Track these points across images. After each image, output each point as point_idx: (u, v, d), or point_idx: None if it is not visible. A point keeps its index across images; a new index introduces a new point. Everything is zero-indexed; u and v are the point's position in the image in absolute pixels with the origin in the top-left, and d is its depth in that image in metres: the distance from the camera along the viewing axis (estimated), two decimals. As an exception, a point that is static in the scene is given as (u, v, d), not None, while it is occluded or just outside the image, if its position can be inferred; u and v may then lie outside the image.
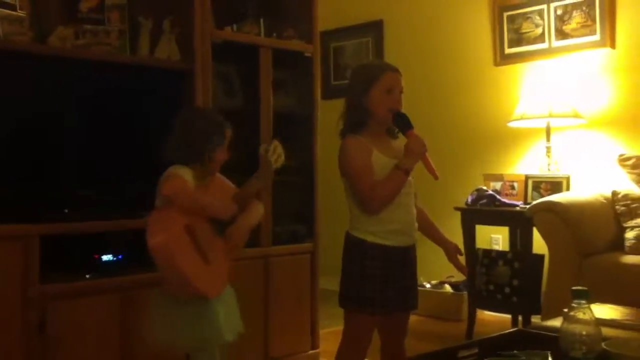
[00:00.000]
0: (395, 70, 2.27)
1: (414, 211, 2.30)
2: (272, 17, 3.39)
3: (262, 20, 3.31)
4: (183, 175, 2.15)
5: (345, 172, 2.24)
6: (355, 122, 2.24)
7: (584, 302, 1.60)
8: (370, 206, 2.19)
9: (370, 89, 2.21)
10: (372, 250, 2.21)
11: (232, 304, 2.31)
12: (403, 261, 2.25)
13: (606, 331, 1.74)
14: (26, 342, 2.43)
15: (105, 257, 2.64)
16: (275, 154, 2.34)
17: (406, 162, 2.15)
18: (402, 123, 2.20)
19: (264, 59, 3.21)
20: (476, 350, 1.84)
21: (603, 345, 1.61)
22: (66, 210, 2.61)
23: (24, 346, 2.43)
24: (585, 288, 1.62)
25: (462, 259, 2.41)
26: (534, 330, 1.98)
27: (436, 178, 2.16)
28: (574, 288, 1.62)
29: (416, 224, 2.31)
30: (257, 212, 2.37)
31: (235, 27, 3.22)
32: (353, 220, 2.28)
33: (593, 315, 1.59)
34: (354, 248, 2.26)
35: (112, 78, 2.79)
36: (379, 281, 2.19)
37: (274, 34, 3.34)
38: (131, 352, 2.64)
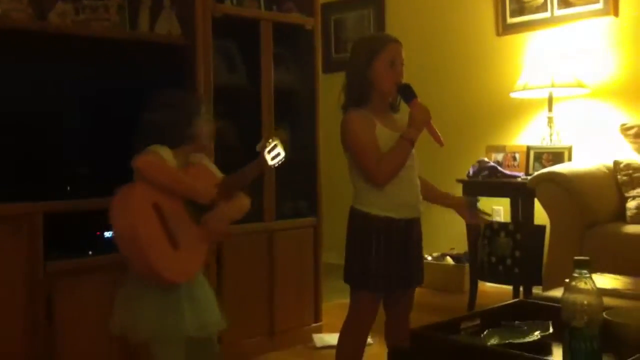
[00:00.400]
0: (397, 42, 2.27)
1: (418, 183, 2.30)
2: (272, -10, 3.36)
3: (262, -6, 3.29)
4: (160, 153, 2.09)
5: (349, 146, 2.23)
6: (358, 95, 2.23)
7: (585, 272, 1.60)
8: (377, 179, 2.19)
9: (373, 61, 2.20)
10: (377, 223, 2.21)
11: (205, 298, 2.21)
12: (408, 234, 2.25)
13: (608, 301, 1.75)
14: (32, 319, 2.46)
15: (107, 234, 2.65)
16: (273, 151, 2.24)
17: (411, 131, 2.15)
18: (407, 93, 2.20)
19: (264, 32, 3.19)
20: (478, 322, 1.86)
21: (604, 314, 1.62)
22: (68, 188, 2.62)
23: (30, 323, 2.46)
24: (586, 258, 1.62)
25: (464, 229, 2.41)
26: (536, 301, 1.99)
27: (442, 145, 2.16)
28: (575, 258, 1.63)
29: (420, 197, 2.30)
30: (241, 204, 2.28)
31: (235, 0, 3.19)
32: (357, 194, 2.28)
33: (594, 285, 1.60)
34: (359, 222, 2.26)
35: (112, 54, 2.78)
36: (383, 255, 2.19)
37: (274, 7, 3.31)
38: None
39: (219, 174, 2.29)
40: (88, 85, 2.73)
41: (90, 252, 2.60)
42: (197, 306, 2.16)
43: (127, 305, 2.14)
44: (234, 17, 3.10)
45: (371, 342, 2.97)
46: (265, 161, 2.22)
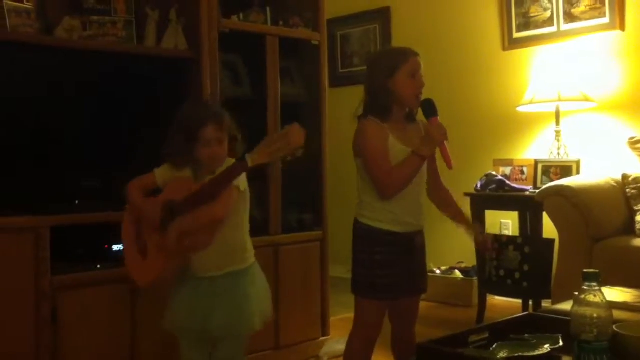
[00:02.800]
0: (417, 55, 2.30)
1: (422, 202, 2.32)
2: (278, 6, 3.37)
3: (268, 9, 3.30)
4: (155, 175, 2.28)
5: (361, 154, 2.25)
6: (380, 108, 2.25)
7: (594, 284, 1.59)
8: (386, 191, 2.21)
9: (395, 73, 2.23)
10: (380, 236, 2.23)
11: (245, 296, 2.26)
12: (411, 247, 2.28)
13: (617, 314, 1.74)
14: (38, 332, 2.45)
15: (115, 247, 2.65)
16: (283, 140, 2.06)
17: (424, 148, 2.18)
18: (429, 108, 2.23)
19: (270, 47, 3.20)
20: (487, 335, 1.84)
21: (614, 327, 1.60)
22: (76, 202, 2.63)
23: (36, 336, 2.45)
24: (596, 270, 1.61)
25: (472, 243, 2.41)
26: (545, 314, 1.97)
27: (450, 167, 2.18)
28: (584, 270, 1.61)
29: (423, 214, 2.32)
30: (204, 214, 2.15)
31: (241, 15, 3.21)
32: (361, 207, 2.29)
33: (604, 298, 1.59)
34: (363, 235, 2.28)
35: (119, 69, 2.79)
36: (387, 267, 2.21)
37: (281, 23, 3.33)
38: (140, 342, 2.66)
39: (242, 186, 2.24)
40: (96, 99, 2.74)
41: (98, 266, 2.60)
42: (231, 304, 2.24)
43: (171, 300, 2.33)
44: (240, 32, 3.11)
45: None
46: (270, 143, 2.07)
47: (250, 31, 3.17)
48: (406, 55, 2.27)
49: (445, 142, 2.18)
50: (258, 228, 3.03)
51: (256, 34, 3.18)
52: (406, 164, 2.18)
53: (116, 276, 2.52)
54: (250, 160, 2.06)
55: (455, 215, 2.42)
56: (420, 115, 2.31)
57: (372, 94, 2.28)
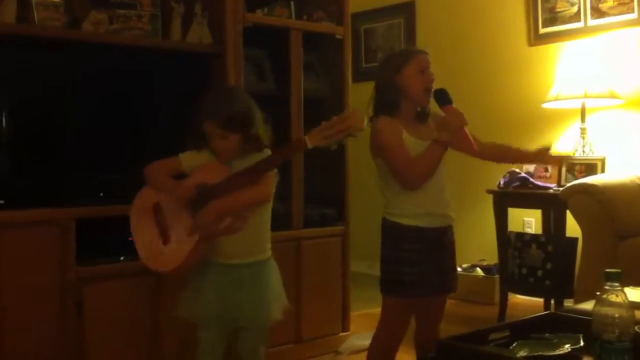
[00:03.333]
0: (425, 53, 2.30)
1: (447, 193, 2.31)
2: (302, 0, 3.38)
3: (292, 3, 3.30)
4: (180, 159, 2.28)
5: (380, 152, 2.24)
6: (388, 103, 2.25)
7: (616, 284, 1.58)
8: (409, 182, 2.20)
9: (403, 68, 2.23)
10: (407, 232, 2.22)
11: (260, 289, 2.29)
12: (439, 243, 2.26)
13: (640, 314, 1.72)
14: (63, 323, 2.50)
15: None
16: (342, 123, 2.08)
17: (444, 135, 2.17)
18: (442, 97, 2.23)
19: (294, 41, 3.21)
20: (507, 333, 1.84)
21: (636, 328, 1.59)
22: (101, 194, 2.66)
23: (61, 328, 2.50)
24: (618, 270, 1.60)
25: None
26: (566, 314, 1.96)
27: (474, 152, 2.19)
28: (606, 270, 1.60)
29: (449, 204, 2.31)
30: (247, 195, 2.20)
31: (265, 10, 3.22)
32: (386, 204, 2.29)
33: (626, 298, 1.57)
34: (390, 232, 2.28)
35: (144, 62, 2.82)
36: (415, 264, 2.20)
37: (305, 17, 3.33)
38: (161, 334, 2.69)
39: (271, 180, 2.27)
40: (121, 93, 2.77)
41: (121, 258, 2.63)
42: (258, 294, 2.26)
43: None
44: (264, 26, 3.12)
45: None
46: (328, 128, 2.11)
47: (274, 25, 3.18)
48: (415, 53, 2.29)
49: (465, 127, 2.17)
50: (280, 222, 3.04)
51: (280, 28, 3.19)
52: (427, 153, 2.17)
53: (139, 268, 2.55)
54: (309, 141, 2.10)
55: (517, 157, 2.52)
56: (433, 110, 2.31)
57: (381, 91, 2.28)
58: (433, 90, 2.24)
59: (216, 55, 2.97)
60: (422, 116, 2.31)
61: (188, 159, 2.30)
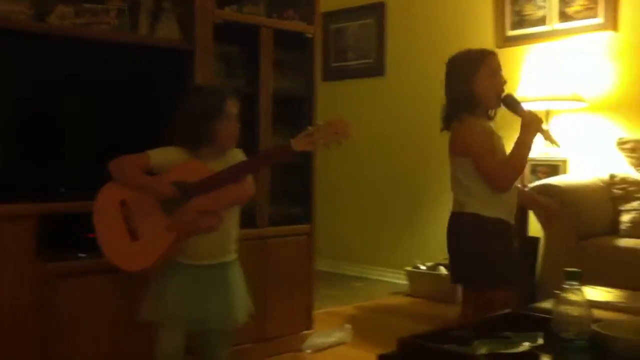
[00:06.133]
0: (494, 53, 2.39)
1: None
2: (273, -2, 3.37)
3: (263, 1, 3.30)
4: (148, 155, 2.21)
5: (468, 152, 2.31)
6: (462, 108, 2.33)
7: (576, 283, 1.61)
8: (501, 184, 2.29)
9: (474, 77, 2.31)
10: (493, 225, 2.32)
11: (226, 291, 2.28)
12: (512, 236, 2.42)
13: (599, 313, 1.76)
14: (24, 321, 2.46)
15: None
16: (328, 129, 2.12)
17: (527, 138, 2.28)
18: (513, 102, 2.34)
19: (264, 39, 3.20)
20: (468, 332, 1.86)
21: (594, 326, 1.62)
22: (62, 190, 2.62)
23: (23, 325, 2.46)
24: (577, 270, 1.63)
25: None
26: (527, 312, 1.99)
27: (559, 146, 2.37)
28: (566, 269, 1.63)
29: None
30: (231, 194, 2.22)
31: (236, 6, 3.21)
32: (470, 199, 2.34)
33: (585, 297, 1.60)
34: (493, 228, 2.33)
35: (111, 57, 2.79)
36: (506, 255, 2.33)
37: (275, 15, 3.33)
38: (126, 331, 2.66)
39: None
40: (87, 88, 2.73)
41: (83, 255, 2.59)
42: (225, 296, 2.26)
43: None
44: (234, 23, 3.11)
45: (347, 339, 2.94)
46: (305, 136, 2.14)
47: (244, 22, 3.17)
48: (483, 56, 2.36)
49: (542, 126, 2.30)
50: (246, 221, 3.04)
51: (251, 25, 3.18)
52: (516, 156, 2.28)
53: (103, 266, 2.52)
54: (295, 145, 2.12)
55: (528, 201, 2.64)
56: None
57: (454, 101, 2.36)
58: (502, 96, 2.33)
59: (185, 51, 2.95)
60: (491, 116, 2.42)
61: (157, 156, 2.25)
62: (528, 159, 3.82)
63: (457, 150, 2.33)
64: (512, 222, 2.37)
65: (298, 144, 2.12)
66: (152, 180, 2.23)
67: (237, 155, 2.32)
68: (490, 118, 2.41)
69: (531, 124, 2.26)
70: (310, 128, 2.15)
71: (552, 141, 2.30)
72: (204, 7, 2.96)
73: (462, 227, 2.34)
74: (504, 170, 2.26)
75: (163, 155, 2.26)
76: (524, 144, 2.26)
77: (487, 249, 2.31)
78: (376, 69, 5.15)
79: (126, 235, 2.22)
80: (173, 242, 2.18)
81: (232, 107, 2.25)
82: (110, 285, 2.61)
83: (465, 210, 2.33)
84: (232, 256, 2.33)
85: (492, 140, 2.29)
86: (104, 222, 2.25)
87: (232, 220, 2.31)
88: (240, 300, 2.30)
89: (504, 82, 2.33)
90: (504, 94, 2.32)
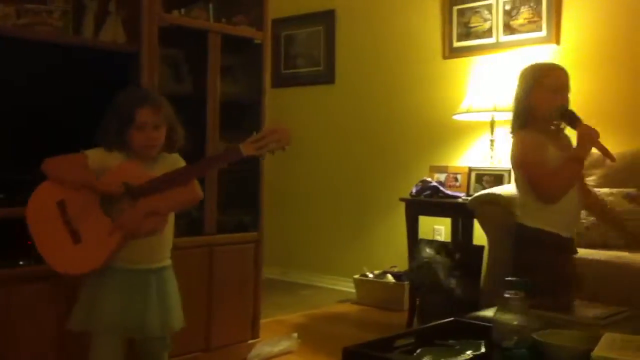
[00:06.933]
0: (562, 69, 2.43)
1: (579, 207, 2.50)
2: (222, 3, 3.34)
3: (211, 5, 3.27)
4: (86, 155, 2.17)
5: (520, 165, 2.39)
6: (521, 120, 2.41)
7: (518, 292, 1.64)
8: (548, 197, 2.34)
9: (534, 87, 2.38)
10: (548, 238, 2.36)
11: (162, 297, 2.23)
12: (569, 252, 2.44)
13: (540, 323, 1.79)
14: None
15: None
16: (271, 136, 2.14)
17: (580, 152, 2.32)
18: (569, 117, 2.36)
19: (212, 44, 3.17)
20: (413, 340, 1.87)
21: (534, 335, 1.65)
22: (1, 195, 2.53)
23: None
24: (520, 279, 1.66)
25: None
26: (470, 320, 2.01)
27: (613, 160, 2.33)
28: (508, 279, 1.66)
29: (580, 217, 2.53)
30: (180, 195, 2.18)
31: (183, 10, 3.17)
32: (527, 210, 2.43)
33: (526, 306, 1.63)
34: (517, 236, 2.43)
35: (54, 60, 2.72)
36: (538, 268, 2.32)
37: (223, 20, 3.30)
38: (65, 340, 2.58)
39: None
40: (27, 90, 2.66)
41: (20, 262, 2.51)
42: (163, 302, 2.21)
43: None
44: (181, 27, 3.07)
45: (293, 348, 2.93)
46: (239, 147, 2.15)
47: (191, 27, 3.13)
48: (548, 70, 2.43)
49: (599, 140, 2.32)
50: (193, 228, 3.00)
51: (198, 29, 3.15)
52: (565, 169, 2.31)
53: (42, 273, 2.44)
54: (244, 150, 2.13)
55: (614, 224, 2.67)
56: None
57: (514, 113, 2.45)
58: (560, 112, 2.36)
59: (130, 54, 2.90)
60: (557, 130, 2.45)
61: (95, 157, 2.19)
62: (472, 168, 3.95)
63: (512, 162, 2.45)
64: (566, 234, 2.41)
65: (246, 149, 2.13)
66: (93, 177, 2.16)
67: (177, 161, 2.29)
68: (553, 131, 2.46)
69: (587, 140, 2.31)
70: (256, 134, 2.16)
71: (610, 157, 2.34)
72: (150, 10, 2.91)
73: (517, 238, 2.45)
74: (551, 182, 2.32)
75: (99, 156, 2.20)
76: (576, 159, 2.33)
77: (518, 256, 2.42)
78: (326, 77, 5.16)
79: (68, 237, 2.13)
80: (120, 243, 2.12)
81: (145, 116, 2.17)
82: (52, 292, 2.53)
83: (516, 220, 2.46)
84: (168, 262, 2.30)
85: (544, 153, 2.35)
86: (42, 225, 2.15)
87: (170, 224, 2.28)
88: (177, 304, 2.28)
89: (564, 103, 2.39)
90: (562, 109, 2.37)
